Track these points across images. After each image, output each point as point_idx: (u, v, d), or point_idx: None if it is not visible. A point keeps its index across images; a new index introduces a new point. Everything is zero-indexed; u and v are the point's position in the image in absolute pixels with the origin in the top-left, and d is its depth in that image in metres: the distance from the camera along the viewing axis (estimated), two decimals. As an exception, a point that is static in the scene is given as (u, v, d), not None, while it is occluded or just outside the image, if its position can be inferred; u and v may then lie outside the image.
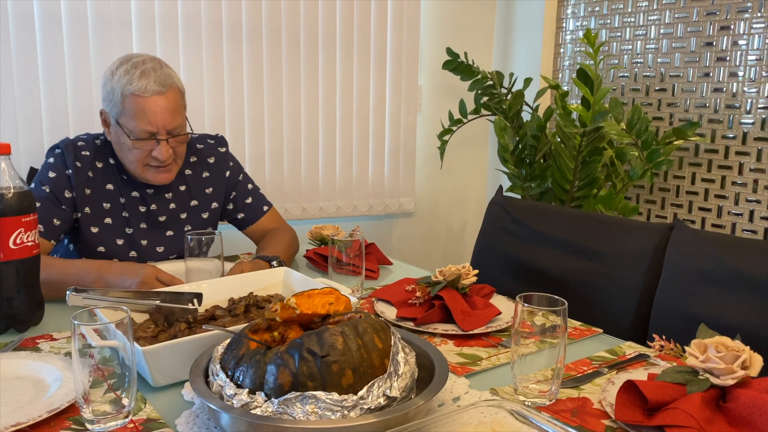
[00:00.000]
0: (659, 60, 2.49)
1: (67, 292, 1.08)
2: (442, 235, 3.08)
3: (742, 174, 2.27)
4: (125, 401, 0.87)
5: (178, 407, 0.93)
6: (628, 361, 1.10)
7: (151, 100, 1.41)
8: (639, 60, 2.56)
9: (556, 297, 0.95)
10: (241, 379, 0.83)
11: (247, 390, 0.80)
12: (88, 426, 0.85)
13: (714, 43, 2.31)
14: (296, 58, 2.47)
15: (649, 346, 1.10)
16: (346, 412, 0.78)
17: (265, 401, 0.79)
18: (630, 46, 2.59)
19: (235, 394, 0.80)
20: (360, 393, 0.80)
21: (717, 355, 0.89)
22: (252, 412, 0.78)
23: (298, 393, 0.78)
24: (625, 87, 2.61)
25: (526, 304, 0.95)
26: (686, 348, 0.94)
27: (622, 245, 1.35)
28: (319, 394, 0.78)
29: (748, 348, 0.90)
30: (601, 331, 1.24)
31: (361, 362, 0.82)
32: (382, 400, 0.80)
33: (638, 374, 1.02)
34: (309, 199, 2.62)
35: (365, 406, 0.79)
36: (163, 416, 0.90)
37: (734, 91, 2.26)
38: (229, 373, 0.84)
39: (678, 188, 2.46)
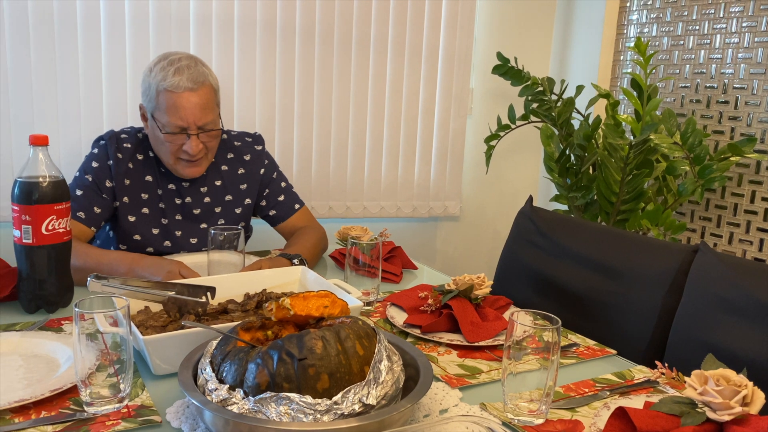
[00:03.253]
0: (722, 71, 2.37)
1: (89, 279, 1.15)
2: (488, 241, 3.05)
3: (806, 195, 2.13)
4: (122, 386, 0.92)
5: (173, 396, 0.97)
6: (633, 386, 1.06)
7: (182, 96, 1.47)
8: (701, 70, 2.44)
9: (552, 315, 0.93)
10: (224, 374, 0.85)
11: (228, 386, 0.83)
12: (85, 407, 0.90)
13: (782, 55, 2.17)
14: (347, 58, 2.50)
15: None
16: (318, 415, 0.79)
17: (243, 398, 0.81)
18: (692, 56, 2.47)
19: (216, 389, 0.83)
20: (335, 398, 0.81)
21: (715, 389, 0.85)
22: (229, 408, 0.81)
23: (273, 393, 0.80)
24: (685, 98, 2.50)
25: (519, 321, 0.93)
26: (686, 379, 0.90)
27: (645, 265, 1.29)
28: (294, 396, 0.80)
29: (751, 384, 0.86)
30: (614, 352, 1.20)
31: (338, 368, 0.83)
32: (356, 407, 0.81)
33: (638, 401, 0.98)
34: (353, 198, 2.65)
35: (339, 411, 0.80)
36: (158, 404, 0.94)
37: (801, 106, 2.13)
38: (216, 368, 0.87)
39: (736, 206, 2.34)
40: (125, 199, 1.60)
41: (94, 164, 1.58)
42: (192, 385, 0.86)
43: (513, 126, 2.49)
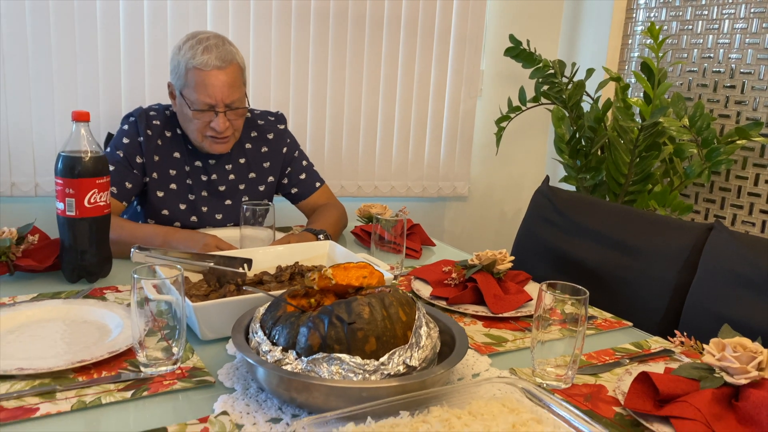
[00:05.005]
0: (730, 56, 2.41)
1: (132, 249, 1.20)
2: (495, 222, 3.11)
3: (809, 178, 2.19)
4: (175, 350, 0.98)
5: (222, 360, 1.03)
6: (651, 354, 1.13)
7: (211, 74, 1.52)
8: (709, 55, 2.49)
9: (579, 287, 0.99)
10: (276, 337, 0.91)
11: (281, 348, 0.89)
12: (142, 368, 0.96)
13: (789, 41, 2.22)
14: (360, 39, 2.53)
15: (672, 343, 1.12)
16: (367, 375, 0.85)
17: (296, 359, 0.87)
18: (701, 40, 2.52)
19: (270, 350, 0.89)
20: (381, 359, 0.87)
21: (733, 355, 0.91)
22: (283, 367, 0.87)
23: (325, 354, 0.86)
24: (692, 82, 2.55)
25: (549, 292, 0.99)
26: (705, 346, 0.96)
27: (660, 242, 1.35)
28: (344, 356, 0.86)
29: (766, 351, 0.92)
30: (630, 324, 1.26)
31: (384, 331, 0.89)
32: (401, 368, 0.87)
33: (657, 368, 1.05)
34: (365, 177, 2.70)
35: (385, 372, 0.86)
36: (207, 366, 1.00)
37: (807, 91, 2.18)
38: (267, 332, 0.93)
39: (740, 189, 2.40)
40: (154, 174, 1.65)
41: (125, 140, 1.63)
42: (246, 346, 0.92)
43: (524, 108, 2.53)
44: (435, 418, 0.81)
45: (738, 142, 2.16)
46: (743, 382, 0.89)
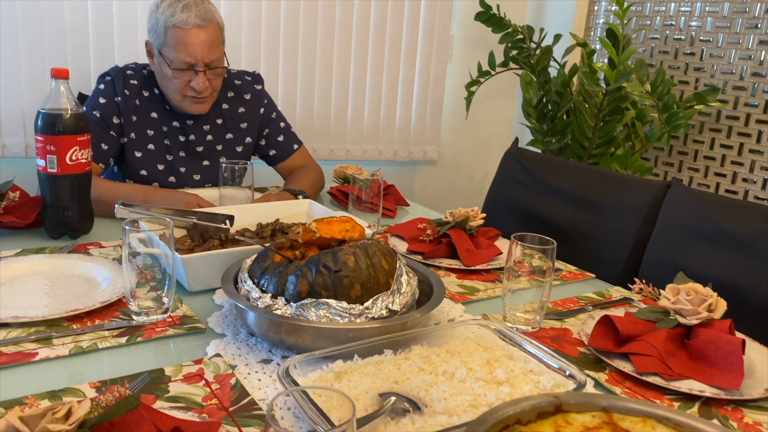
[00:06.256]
0: (691, 24, 2.50)
1: (116, 206, 1.23)
2: (463, 185, 3.18)
3: (760, 142, 2.31)
4: (165, 299, 1.02)
5: (210, 309, 1.07)
6: (612, 302, 1.21)
7: (191, 32, 1.52)
8: (671, 22, 2.57)
9: (547, 238, 1.06)
10: (265, 286, 0.96)
11: (270, 295, 0.94)
12: (134, 317, 1.00)
13: (747, 10, 2.31)
14: (332, 2, 2.54)
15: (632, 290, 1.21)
16: (352, 318, 0.91)
17: (285, 305, 0.93)
18: (663, 8, 2.59)
19: (260, 297, 0.94)
20: (366, 304, 0.93)
21: (686, 298, 1.00)
22: (274, 312, 0.92)
23: (313, 299, 0.91)
24: (655, 49, 2.63)
25: (519, 245, 1.06)
26: (661, 291, 1.04)
27: (621, 199, 1.44)
28: (331, 301, 0.91)
29: (715, 294, 1.01)
30: (593, 276, 1.35)
31: (368, 279, 0.95)
32: (384, 312, 0.93)
33: (618, 313, 1.13)
34: (337, 140, 2.73)
35: (369, 315, 0.92)
36: (196, 315, 1.04)
37: (762, 59, 2.28)
38: (255, 281, 0.98)
39: (696, 153, 2.51)
40: (132, 135, 1.66)
41: (102, 100, 1.63)
42: (236, 293, 0.97)
43: (493, 72, 2.59)
44: (416, 355, 0.88)
45: (696, 107, 2.26)
46: (695, 322, 0.98)
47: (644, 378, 0.91)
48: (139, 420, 0.60)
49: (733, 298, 1.06)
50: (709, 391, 0.88)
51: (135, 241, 1.00)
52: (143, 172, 1.69)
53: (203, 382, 0.84)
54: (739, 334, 1.02)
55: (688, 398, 0.88)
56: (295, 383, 0.76)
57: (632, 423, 0.71)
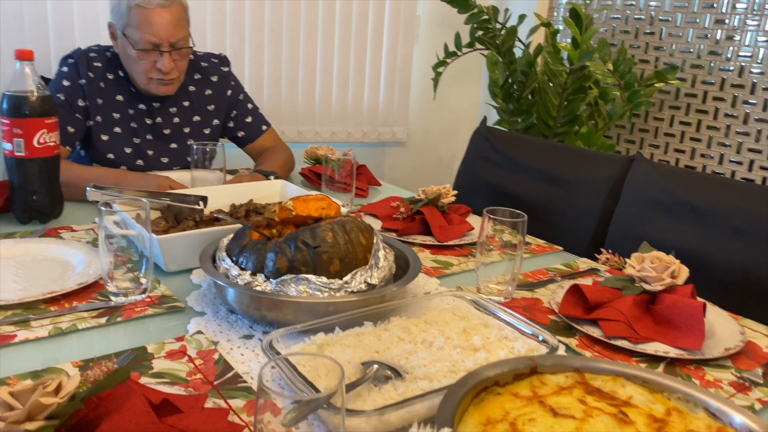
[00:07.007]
0: (650, 3, 2.56)
1: (88, 188, 1.22)
2: (432, 166, 3.21)
3: (717, 119, 2.39)
4: (143, 280, 1.02)
5: (188, 289, 1.08)
6: (580, 273, 1.26)
7: (155, 12, 1.50)
8: (631, 2, 2.63)
9: (518, 211, 1.09)
10: (244, 263, 0.97)
11: (250, 272, 0.95)
12: (113, 298, 1.00)
13: (704, -10, 2.38)
14: (297, -18, 2.52)
15: (599, 260, 1.25)
16: (332, 292, 0.93)
17: (265, 281, 0.94)
18: (624, -12, 2.65)
19: (239, 274, 0.95)
20: (345, 278, 0.94)
21: (651, 266, 1.04)
22: (254, 288, 0.93)
23: (293, 275, 0.93)
24: (616, 28, 2.69)
25: (491, 221, 1.09)
26: (627, 260, 1.09)
27: (587, 174, 1.48)
28: (311, 277, 0.93)
29: (678, 261, 1.06)
30: (561, 248, 1.39)
31: (347, 254, 0.96)
32: (363, 286, 0.96)
33: (586, 283, 1.18)
34: (305, 122, 2.72)
35: (349, 289, 0.94)
36: (175, 295, 1.05)
37: (718, 38, 2.35)
38: (234, 259, 0.99)
39: (657, 130, 2.59)
40: (98, 118, 1.63)
41: (66, 83, 1.60)
42: (216, 272, 0.98)
43: (459, 53, 2.61)
44: (395, 326, 0.90)
45: (656, 84, 2.32)
46: (659, 288, 1.03)
47: (612, 342, 0.95)
48: (128, 392, 0.61)
49: (694, 265, 1.11)
50: (673, 352, 0.93)
51: (110, 224, 1.00)
52: (110, 156, 1.66)
53: (186, 358, 0.85)
54: (700, 299, 1.07)
55: (653, 359, 0.93)
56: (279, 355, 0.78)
57: (603, 382, 0.75)
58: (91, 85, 1.61)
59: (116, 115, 1.66)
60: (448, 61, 2.62)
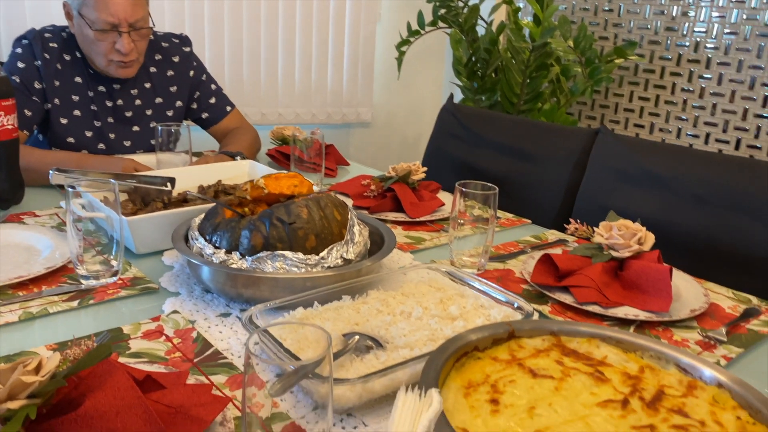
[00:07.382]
0: (609, -19, 2.60)
1: (51, 171, 1.18)
2: (397, 146, 3.21)
3: (674, 94, 2.45)
4: (114, 262, 1.00)
5: (160, 270, 1.06)
6: (549, 244, 1.28)
7: None
8: (590, -20, 2.66)
9: (489, 184, 1.10)
10: (218, 242, 0.96)
11: (224, 250, 0.94)
12: (83, 281, 0.98)
13: (660, -33, 2.42)
14: (257, -39, 2.47)
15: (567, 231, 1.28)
16: (309, 268, 0.93)
17: (240, 259, 0.93)
18: (583, -34, 2.68)
19: (214, 253, 0.94)
20: (321, 254, 0.95)
21: (618, 233, 1.07)
22: (230, 266, 0.92)
23: (269, 252, 0.92)
24: (576, 6, 2.72)
25: (461, 196, 1.10)
26: (595, 229, 1.12)
27: (553, 148, 1.51)
28: (287, 253, 0.92)
29: (644, 228, 1.09)
30: (530, 221, 1.41)
31: (322, 229, 0.96)
32: (339, 261, 0.96)
33: (556, 252, 1.20)
34: (268, 104, 2.69)
35: (325, 264, 0.94)
36: (147, 276, 1.03)
37: (674, 14, 2.41)
38: (207, 238, 0.98)
39: (617, 105, 2.64)
40: (56, 100, 1.58)
41: (20, 65, 1.54)
42: (189, 251, 0.96)
43: (422, 32, 2.61)
44: (373, 299, 0.91)
45: (616, 60, 2.36)
46: (627, 255, 1.06)
47: (584, 307, 0.98)
48: (111, 369, 0.60)
49: (659, 232, 1.15)
50: (642, 315, 0.96)
51: (77, 207, 0.98)
52: (70, 140, 1.62)
53: (164, 337, 0.84)
54: (666, 264, 1.11)
55: (624, 323, 0.96)
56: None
57: (578, 343, 0.77)
58: (48, 66, 1.55)
59: (75, 98, 1.61)
60: (412, 39, 2.62)
